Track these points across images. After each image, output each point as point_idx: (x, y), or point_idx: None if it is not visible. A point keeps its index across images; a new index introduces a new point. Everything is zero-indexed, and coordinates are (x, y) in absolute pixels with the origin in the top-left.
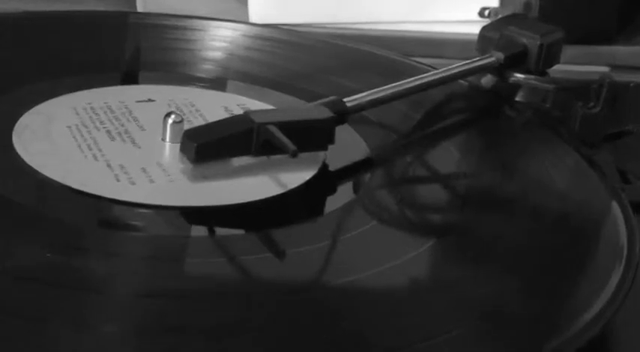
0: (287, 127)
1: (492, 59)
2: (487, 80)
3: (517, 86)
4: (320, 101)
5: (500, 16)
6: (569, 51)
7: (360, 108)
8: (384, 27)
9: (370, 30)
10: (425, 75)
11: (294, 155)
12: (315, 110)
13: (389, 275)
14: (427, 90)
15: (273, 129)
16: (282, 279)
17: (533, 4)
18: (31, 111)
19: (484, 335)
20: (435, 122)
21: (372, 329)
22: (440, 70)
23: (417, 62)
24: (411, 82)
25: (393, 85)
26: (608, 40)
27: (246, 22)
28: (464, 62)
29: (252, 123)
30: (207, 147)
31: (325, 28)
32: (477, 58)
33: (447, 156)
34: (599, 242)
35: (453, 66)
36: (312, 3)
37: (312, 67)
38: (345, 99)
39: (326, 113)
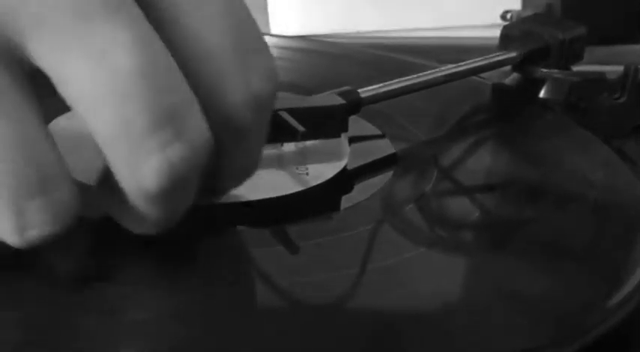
0: (298, 113)
1: (513, 54)
2: (512, 78)
3: (541, 83)
4: (334, 90)
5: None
6: (591, 52)
7: (375, 99)
8: (406, 34)
9: (394, 38)
10: (443, 68)
11: (302, 136)
12: (328, 98)
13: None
14: (445, 83)
15: (284, 114)
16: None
17: (555, 6)
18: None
19: None
20: (462, 121)
21: None
22: (458, 64)
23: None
24: (428, 74)
25: (410, 77)
26: (630, 40)
27: (269, 34)
28: (483, 56)
29: None
30: None
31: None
32: (497, 53)
33: (481, 156)
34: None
35: (472, 60)
36: (335, 13)
37: (337, 74)
38: (359, 90)
39: (337, 101)
